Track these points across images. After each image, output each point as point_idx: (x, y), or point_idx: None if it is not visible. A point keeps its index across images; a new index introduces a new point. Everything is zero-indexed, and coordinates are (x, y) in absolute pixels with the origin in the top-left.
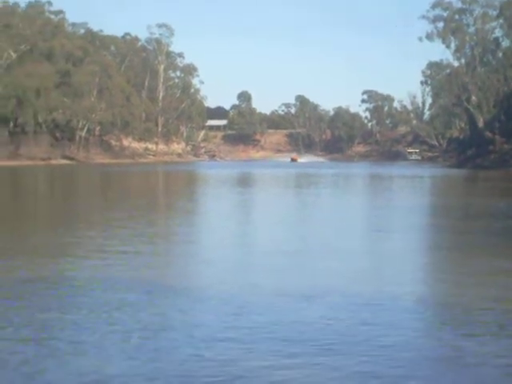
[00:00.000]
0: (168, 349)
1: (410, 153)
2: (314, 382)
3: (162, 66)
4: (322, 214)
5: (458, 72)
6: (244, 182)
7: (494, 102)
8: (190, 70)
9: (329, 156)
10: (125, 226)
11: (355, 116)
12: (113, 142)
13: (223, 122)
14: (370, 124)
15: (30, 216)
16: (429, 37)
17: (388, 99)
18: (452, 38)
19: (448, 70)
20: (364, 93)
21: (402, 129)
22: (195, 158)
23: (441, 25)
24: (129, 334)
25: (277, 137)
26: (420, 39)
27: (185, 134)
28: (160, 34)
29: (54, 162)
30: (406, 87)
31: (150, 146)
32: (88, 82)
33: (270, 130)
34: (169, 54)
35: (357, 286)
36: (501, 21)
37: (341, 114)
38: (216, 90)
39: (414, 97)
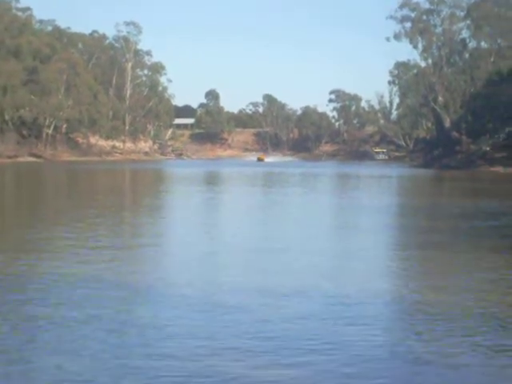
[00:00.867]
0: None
1: (377, 152)
2: None
3: (130, 64)
4: (287, 215)
5: (425, 72)
6: (209, 180)
7: (460, 102)
8: (157, 68)
9: (296, 155)
10: (90, 225)
11: (323, 115)
12: (80, 140)
13: (191, 121)
14: (337, 123)
15: None
16: (396, 37)
17: (355, 99)
18: (419, 38)
19: (415, 70)
20: (331, 92)
21: (370, 128)
22: (162, 156)
23: (408, 25)
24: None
25: (244, 136)
26: (387, 39)
27: (152, 133)
28: (128, 32)
29: (20, 159)
30: (374, 87)
31: (117, 144)
32: (55, 79)
33: (238, 129)
34: (137, 52)
35: (319, 283)
36: (468, 22)
37: (308, 114)
38: (184, 89)
39: (382, 96)
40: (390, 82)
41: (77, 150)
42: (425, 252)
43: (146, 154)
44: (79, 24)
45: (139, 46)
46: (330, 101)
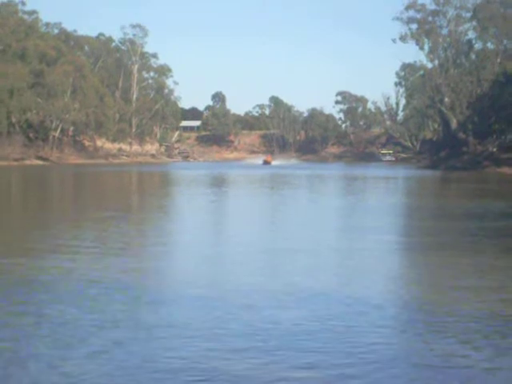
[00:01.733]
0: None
1: (384, 154)
2: None
3: (136, 67)
4: (296, 216)
5: (432, 74)
6: (217, 183)
7: (466, 103)
8: (163, 70)
9: (303, 157)
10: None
11: (329, 117)
12: (86, 143)
13: (197, 123)
14: (343, 125)
15: None
16: (402, 38)
17: (362, 100)
18: (425, 39)
19: (421, 72)
20: (338, 94)
21: (376, 130)
22: (169, 158)
23: (414, 26)
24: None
25: (251, 138)
26: (394, 41)
27: (158, 135)
28: (134, 35)
29: (27, 162)
30: (380, 88)
31: (123, 146)
32: (62, 82)
33: (244, 131)
34: (143, 55)
35: (320, 284)
36: (474, 23)
37: (315, 116)
38: (190, 91)
39: (388, 98)
40: (396, 84)
41: (83, 153)
42: (437, 253)
43: (153, 156)
44: (85, 27)
45: (145, 49)
46: (337, 102)
